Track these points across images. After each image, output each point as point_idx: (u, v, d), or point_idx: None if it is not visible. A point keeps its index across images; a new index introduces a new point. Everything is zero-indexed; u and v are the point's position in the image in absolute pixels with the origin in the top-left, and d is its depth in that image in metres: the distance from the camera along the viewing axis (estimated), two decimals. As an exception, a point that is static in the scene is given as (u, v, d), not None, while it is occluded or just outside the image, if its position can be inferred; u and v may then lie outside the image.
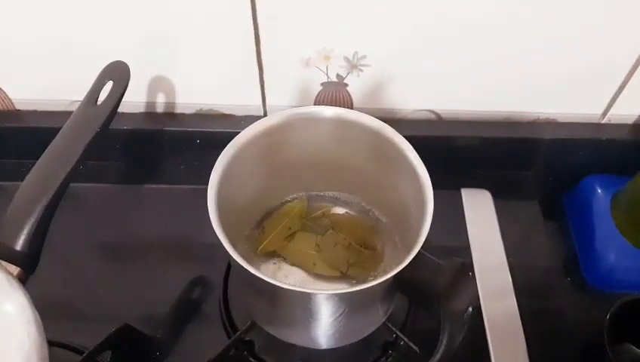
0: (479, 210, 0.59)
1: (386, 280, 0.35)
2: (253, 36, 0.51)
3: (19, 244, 0.36)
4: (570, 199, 0.60)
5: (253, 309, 0.47)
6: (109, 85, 0.43)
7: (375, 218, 0.51)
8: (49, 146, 0.40)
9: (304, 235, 0.49)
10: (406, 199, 0.43)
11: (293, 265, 0.48)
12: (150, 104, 0.59)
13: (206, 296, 0.53)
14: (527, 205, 0.60)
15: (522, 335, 0.50)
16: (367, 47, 0.52)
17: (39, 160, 0.40)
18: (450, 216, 0.58)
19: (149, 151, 0.61)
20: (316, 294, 0.36)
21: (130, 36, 0.51)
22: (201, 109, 0.59)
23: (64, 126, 0.41)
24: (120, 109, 0.57)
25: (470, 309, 0.36)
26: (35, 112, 0.59)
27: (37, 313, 0.33)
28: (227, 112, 0.59)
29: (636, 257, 0.53)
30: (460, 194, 0.60)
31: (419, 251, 0.35)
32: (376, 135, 0.43)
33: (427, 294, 0.36)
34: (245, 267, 0.35)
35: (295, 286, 0.34)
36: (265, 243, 0.48)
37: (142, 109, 0.59)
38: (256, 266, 0.46)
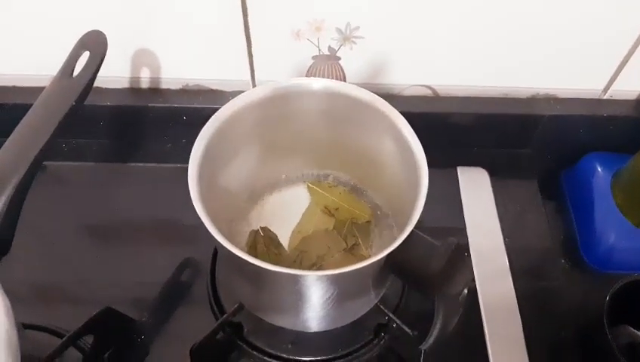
0: (476, 189, 0.57)
1: (378, 260, 0.34)
2: (240, 5, 0.48)
3: (-11, 225, 0.34)
4: (570, 178, 0.59)
5: (240, 292, 0.45)
6: (86, 56, 0.40)
7: (368, 197, 0.50)
8: (21, 121, 0.38)
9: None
10: (400, 176, 0.41)
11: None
12: (134, 79, 0.57)
13: (193, 278, 0.52)
14: (525, 184, 0.59)
15: (518, 317, 0.49)
16: (360, 17, 0.49)
17: (11, 136, 0.38)
18: (446, 196, 0.57)
19: (134, 128, 0.59)
20: (305, 276, 0.34)
21: (112, 6, 0.49)
22: (187, 85, 0.57)
23: (38, 99, 0.39)
24: (103, 85, 0.57)
25: (465, 291, 0.34)
26: (14, 88, 0.57)
27: (6, 297, 0.31)
28: (215, 88, 0.57)
29: (636, 237, 0.52)
30: (456, 172, 0.59)
31: (412, 230, 0.34)
32: (368, 108, 0.41)
33: (421, 275, 0.34)
34: (227, 247, 0.33)
35: (280, 267, 0.33)
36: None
37: (126, 85, 0.57)
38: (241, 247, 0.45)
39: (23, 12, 0.50)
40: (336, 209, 0.48)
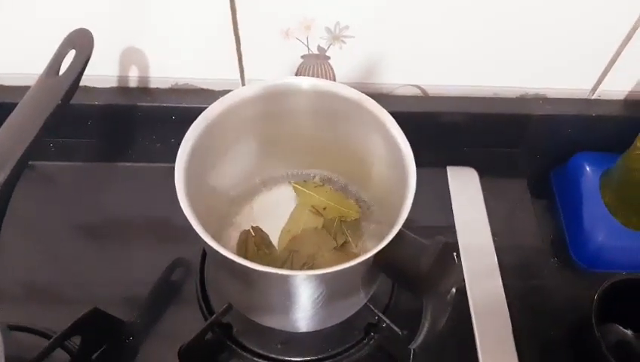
0: (465, 188, 0.58)
1: (366, 259, 0.33)
2: (229, 4, 0.48)
3: (-26, 223, 0.34)
4: (559, 177, 0.59)
5: (229, 292, 0.45)
6: (72, 54, 0.40)
7: (357, 196, 0.50)
8: (7, 120, 0.38)
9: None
10: (388, 175, 0.41)
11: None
12: (123, 78, 0.56)
13: (183, 278, 0.51)
14: (514, 183, 0.59)
15: (507, 316, 0.49)
16: (350, 16, 0.49)
17: (-4, 134, 0.37)
18: (436, 195, 0.57)
19: (123, 127, 0.59)
20: (293, 276, 0.34)
21: (100, 4, 0.49)
22: (176, 84, 0.57)
23: (23, 98, 0.39)
24: (91, 83, 0.56)
25: (454, 290, 0.34)
26: (0, 87, 0.57)
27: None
28: (204, 87, 0.57)
29: (625, 236, 0.52)
30: (446, 172, 0.59)
31: (400, 230, 0.34)
32: (357, 108, 0.41)
33: (410, 274, 0.34)
34: (216, 248, 0.33)
35: (268, 267, 0.32)
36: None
37: (114, 84, 0.57)
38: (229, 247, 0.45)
39: (8, 10, 0.50)
40: (324, 208, 0.48)
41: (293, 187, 0.50)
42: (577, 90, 0.57)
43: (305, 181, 0.50)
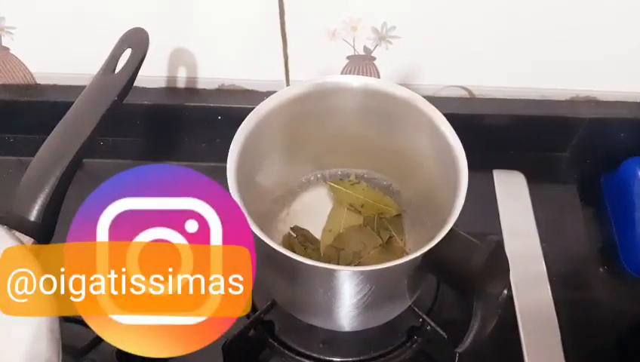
0: (512, 192, 0.56)
1: (415, 258, 0.33)
2: (277, 6, 0.49)
3: (32, 215, 0.35)
4: (610, 182, 0.57)
5: (273, 289, 0.45)
6: (128, 53, 0.41)
7: (401, 195, 0.49)
8: (65, 116, 0.39)
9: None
10: (436, 175, 0.41)
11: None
12: (171, 79, 0.58)
13: (225, 276, 0.52)
14: (563, 188, 0.57)
15: (556, 325, 0.48)
16: (397, 17, 0.49)
17: (54, 130, 0.38)
18: (482, 199, 0.56)
19: (170, 127, 0.60)
20: (339, 271, 0.34)
21: (150, 6, 0.50)
22: (223, 85, 0.58)
23: (80, 95, 0.40)
24: (140, 84, 0.58)
25: (505, 292, 0.34)
26: (55, 86, 0.59)
27: (48, 284, 0.31)
28: (250, 88, 0.58)
29: (680, 244, 0.50)
30: (492, 176, 0.58)
31: (451, 228, 0.33)
32: (406, 106, 0.40)
33: (461, 274, 0.33)
34: (266, 241, 0.33)
35: (317, 262, 0.32)
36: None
37: (162, 84, 0.58)
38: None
39: (63, 11, 0.51)
40: (362, 206, 0.48)
41: (329, 186, 0.50)
42: (630, 92, 0.55)
43: (341, 179, 0.50)
